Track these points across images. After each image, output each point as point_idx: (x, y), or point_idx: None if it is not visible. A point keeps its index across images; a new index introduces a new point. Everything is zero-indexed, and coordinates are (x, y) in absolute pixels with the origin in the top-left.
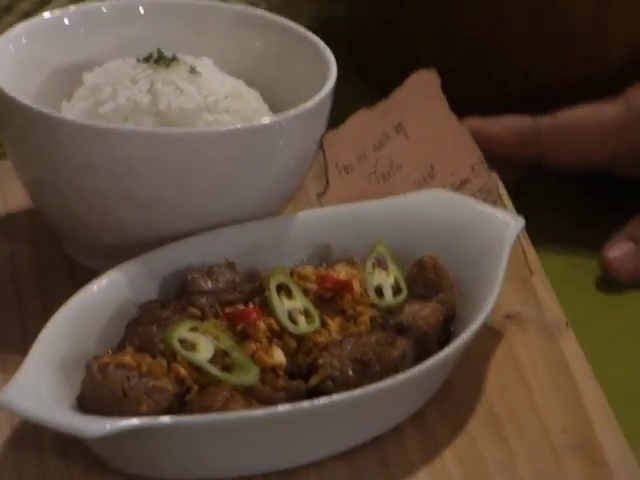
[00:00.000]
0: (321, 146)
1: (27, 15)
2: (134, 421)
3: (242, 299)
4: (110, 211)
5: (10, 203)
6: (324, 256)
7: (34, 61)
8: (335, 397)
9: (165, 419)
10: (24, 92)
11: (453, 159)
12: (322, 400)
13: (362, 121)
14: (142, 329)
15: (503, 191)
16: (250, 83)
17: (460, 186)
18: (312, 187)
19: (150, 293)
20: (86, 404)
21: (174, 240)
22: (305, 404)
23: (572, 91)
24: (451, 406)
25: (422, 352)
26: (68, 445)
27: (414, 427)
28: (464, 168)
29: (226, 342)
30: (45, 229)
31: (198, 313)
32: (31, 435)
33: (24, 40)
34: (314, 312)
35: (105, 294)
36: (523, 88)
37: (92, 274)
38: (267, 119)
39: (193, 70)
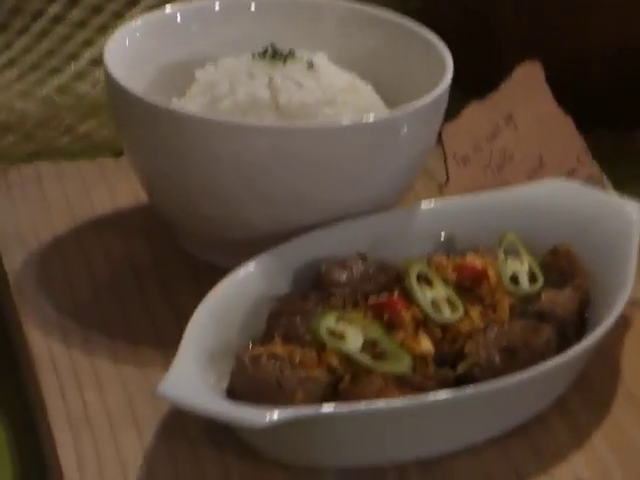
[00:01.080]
0: (440, 138)
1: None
2: (304, 410)
3: (377, 290)
4: (236, 206)
5: (120, 201)
6: (449, 246)
7: (145, 57)
8: (490, 384)
9: (336, 407)
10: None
11: (559, 150)
12: (479, 387)
13: (475, 113)
14: (286, 321)
15: (606, 180)
16: (362, 77)
17: (568, 176)
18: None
19: (284, 286)
20: (236, 394)
21: (297, 234)
22: (466, 390)
23: None
24: (592, 392)
25: (562, 339)
26: (220, 436)
27: (559, 414)
28: (570, 158)
29: (375, 331)
30: (159, 226)
31: (340, 304)
32: (180, 428)
33: (138, 35)
34: (457, 300)
35: (242, 287)
36: (608, 80)
37: (212, 269)
38: (394, 111)
39: (310, 64)
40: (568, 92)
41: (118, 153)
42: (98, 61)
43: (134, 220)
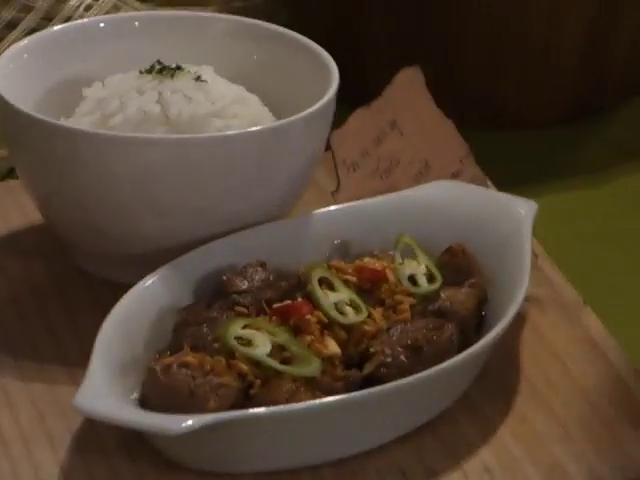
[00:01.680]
0: (329, 146)
1: (31, 31)
2: (217, 416)
3: (278, 296)
4: (132, 220)
5: (12, 223)
6: (345, 252)
7: (32, 78)
8: (398, 382)
9: (249, 412)
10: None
11: (443, 153)
12: (387, 386)
13: (361, 119)
14: (192, 330)
15: (489, 182)
16: (250, 89)
17: (452, 178)
18: (324, 182)
19: (186, 297)
20: (148, 405)
21: (196, 246)
22: (375, 390)
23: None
24: (494, 387)
25: (462, 336)
26: (134, 446)
27: (464, 409)
28: (454, 161)
29: (282, 336)
30: (55, 246)
31: (245, 311)
32: (94, 441)
33: (25, 56)
34: (360, 302)
35: (145, 300)
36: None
37: (111, 286)
38: (283, 120)
39: (198, 78)
40: (444, 95)
41: (3, 177)
42: None
43: (29, 241)
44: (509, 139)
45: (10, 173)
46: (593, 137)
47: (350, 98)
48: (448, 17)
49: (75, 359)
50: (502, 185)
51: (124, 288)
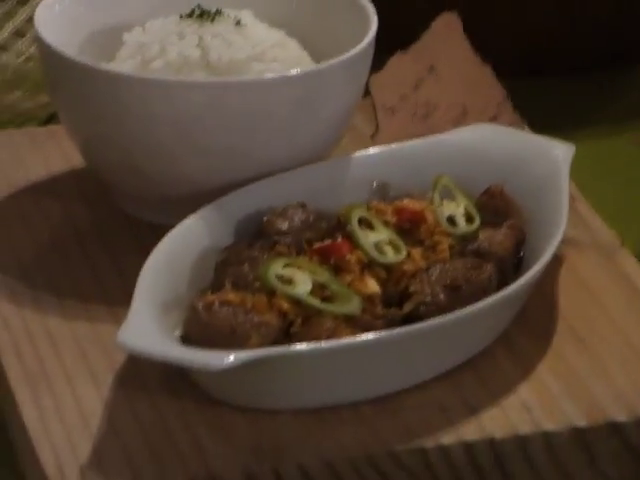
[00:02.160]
0: (368, 90)
1: None
2: (260, 352)
3: (319, 237)
4: (174, 162)
5: (54, 167)
6: (383, 194)
7: (74, 23)
8: (437, 320)
9: (291, 348)
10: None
11: (481, 98)
12: (427, 324)
13: (399, 63)
14: (233, 269)
15: (527, 127)
16: (289, 34)
17: (490, 123)
18: (362, 127)
19: (227, 238)
20: (191, 342)
21: (235, 188)
22: (414, 327)
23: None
24: (533, 326)
25: (501, 276)
26: (177, 383)
27: (503, 348)
28: (491, 106)
29: (323, 275)
30: (96, 189)
31: (286, 251)
32: (137, 378)
33: (67, 1)
34: (400, 242)
35: (187, 240)
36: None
37: (152, 228)
38: (322, 64)
39: (238, 22)
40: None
41: (44, 123)
42: (20, 32)
43: (70, 185)
44: (546, 85)
45: (51, 120)
46: (629, 85)
47: (389, 44)
48: None
49: (118, 299)
50: (539, 130)
51: (166, 230)
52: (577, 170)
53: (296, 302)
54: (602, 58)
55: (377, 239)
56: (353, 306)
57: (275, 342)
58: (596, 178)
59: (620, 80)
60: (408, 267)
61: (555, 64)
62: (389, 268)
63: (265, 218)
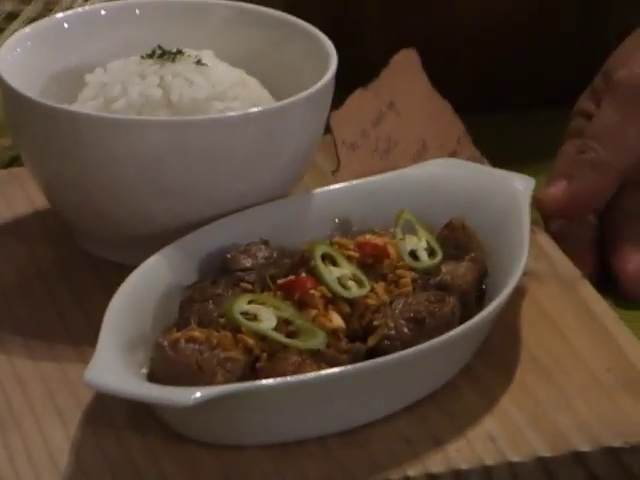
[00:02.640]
0: (329, 125)
1: (32, 22)
2: (225, 388)
3: (282, 274)
4: (136, 203)
5: (17, 209)
6: (345, 230)
7: (36, 65)
8: (401, 353)
9: (256, 384)
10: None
11: (441, 133)
12: (391, 357)
13: (360, 100)
14: (198, 307)
15: (486, 161)
16: (249, 73)
17: (450, 157)
18: (323, 163)
19: (191, 275)
20: (157, 380)
21: (199, 226)
22: (379, 361)
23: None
24: (496, 358)
25: (463, 309)
26: (144, 420)
27: (467, 380)
28: (451, 141)
29: (287, 310)
30: (60, 230)
31: (250, 287)
32: (104, 415)
33: (29, 43)
34: (362, 277)
35: (151, 278)
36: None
37: (116, 268)
38: (283, 101)
39: (199, 62)
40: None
41: (6, 165)
42: None
43: (34, 226)
44: (504, 120)
45: (14, 162)
46: None
47: (348, 81)
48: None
49: (84, 338)
50: (499, 165)
51: (130, 269)
52: None
53: (261, 338)
54: (558, 93)
55: (340, 274)
56: (318, 341)
57: (241, 378)
58: None
59: None
60: (371, 301)
61: (513, 99)
62: (353, 303)
63: (228, 255)
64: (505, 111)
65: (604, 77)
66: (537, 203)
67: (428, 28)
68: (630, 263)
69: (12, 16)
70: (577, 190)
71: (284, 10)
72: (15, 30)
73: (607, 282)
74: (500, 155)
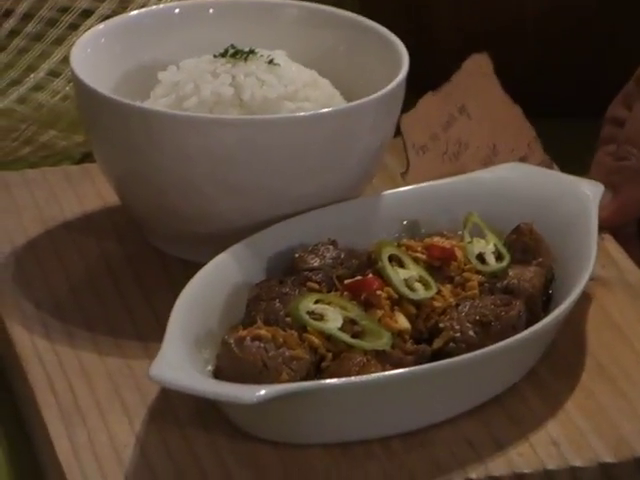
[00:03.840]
0: (399, 128)
1: (106, 19)
2: (291, 386)
3: (349, 274)
4: (207, 200)
5: (88, 205)
6: (413, 232)
7: (109, 62)
8: (467, 356)
9: (322, 383)
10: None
11: (511, 138)
12: (456, 360)
13: (430, 103)
14: (265, 305)
15: (556, 167)
16: (321, 73)
17: (520, 162)
18: (393, 166)
19: (259, 274)
20: (223, 377)
21: (267, 225)
22: (444, 363)
23: None
24: (561, 364)
25: (530, 313)
26: (209, 417)
27: (531, 385)
28: (521, 146)
29: (354, 311)
30: (129, 226)
31: (317, 287)
32: (169, 412)
33: (102, 40)
34: (429, 279)
35: (219, 276)
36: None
37: (184, 265)
38: (354, 103)
39: (271, 61)
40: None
41: (78, 162)
42: (56, 72)
43: (104, 221)
44: (576, 127)
45: (85, 158)
46: None
47: (419, 84)
48: (510, 9)
49: (150, 334)
50: (569, 171)
51: (198, 267)
52: None
53: (327, 337)
54: None
55: (407, 276)
56: (383, 342)
57: (306, 377)
58: None
59: None
60: (438, 304)
61: (585, 106)
62: (419, 304)
63: (296, 255)
64: (577, 116)
65: (636, 82)
66: None
67: (500, 30)
68: None
69: (87, 13)
70: (624, 202)
71: (358, 12)
72: (90, 27)
73: None
74: (570, 160)
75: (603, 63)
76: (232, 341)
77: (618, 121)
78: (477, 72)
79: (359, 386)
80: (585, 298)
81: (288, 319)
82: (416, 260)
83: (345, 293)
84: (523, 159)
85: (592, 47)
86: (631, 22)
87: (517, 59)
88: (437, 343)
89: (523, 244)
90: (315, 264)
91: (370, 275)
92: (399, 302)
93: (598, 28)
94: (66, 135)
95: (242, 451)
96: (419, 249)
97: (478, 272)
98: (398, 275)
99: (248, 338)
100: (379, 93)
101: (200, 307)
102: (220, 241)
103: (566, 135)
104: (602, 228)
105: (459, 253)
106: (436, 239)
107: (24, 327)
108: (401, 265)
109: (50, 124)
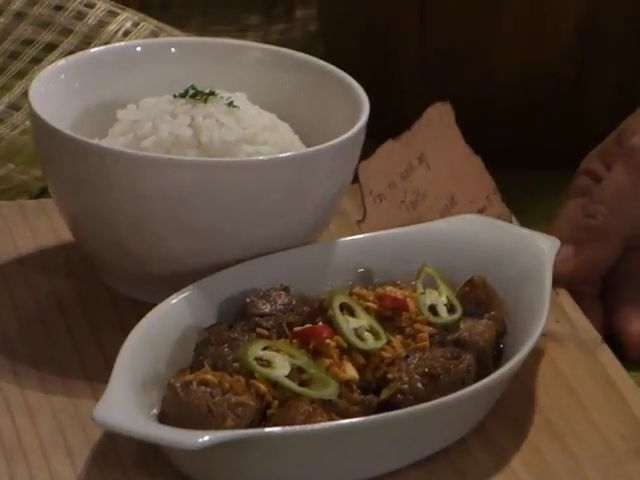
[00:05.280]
0: (356, 176)
1: (70, 54)
2: (234, 433)
3: (300, 321)
4: (160, 240)
5: (42, 240)
6: (367, 280)
7: (68, 98)
8: (414, 408)
9: (266, 430)
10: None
11: (470, 189)
12: (403, 411)
13: (390, 151)
14: (213, 349)
15: (514, 220)
16: (281, 117)
17: (478, 214)
18: (350, 212)
19: (209, 318)
20: (167, 421)
21: (220, 268)
22: (390, 415)
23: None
24: (509, 418)
25: (480, 367)
26: (152, 462)
27: (479, 439)
28: (480, 198)
29: (302, 359)
30: (82, 263)
31: (266, 333)
32: (112, 454)
33: (62, 76)
34: (380, 329)
35: (169, 319)
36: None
37: (135, 305)
38: (313, 148)
39: (230, 104)
40: (474, 133)
41: (35, 196)
42: (16, 105)
43: (57, 258)
44: (536, 178)
45: (44, 192)
46: None
47: (379, 132)
48: (479, 54)
49: (98, 374)
50: (527, 223)
51: (149, 307)
52: None
53: (274, 384)
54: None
55: (357, 325)
56: (330, 391)
57: (251, 424)
58: None
59: None
60: (387, 354)
61: (546, 156)
62: (368, 354)
63: (248, 300)
64: (538, 168)
65: (618, 139)
66: None
67: (464, 82)
68: (632, 324)
69: (50, 47)
70: (585, 259)
71: (323, 57)
72: (52, 61)
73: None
74: (530, 213)
75: (570, 118)
76: (178, 385)
77: (593, 174)
78: (438, 121)
79: (304, 435)
80: (536, 353)
81: (236, 364)
82: (367, 309)
83: (294, 340)
84: (481, 211)
85: (560, 104)
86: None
87: (483, 109)
88: (385, 394)
89: (476, 297)
90: (266, 310)
91: (320, 323)
92: (348, 351)
93: (568, 92)
94: (24, 169)
95: None
96: (371, 298)
97: (429, 324)
98: (348, 324)
99: (194, 382)
100: (338, 139)
101: (149, 349)
102: (172, 282)
103: (526, 187)
104: (558, 282)
105: (411, 304)
106: (389, 289)
107: None
108: (352, 314)
109: (8, 158)
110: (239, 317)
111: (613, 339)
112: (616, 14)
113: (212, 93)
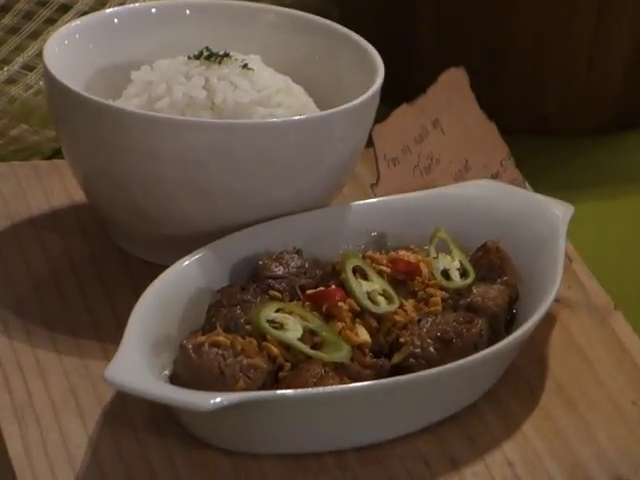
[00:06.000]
0: (370, 139)
1: (84, 14)
2: (247, 395)
3: (313, 284)
4: (174, 202)
5: (55, 201)
6: (380, 245)
7: (83, 59)
8: (425, 372)
9: (278, 393)
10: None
11: (484, 154)
12: (414, 375)
13: (404, 115)
14: (226, 311)
15: (528, 186)
16: (295, 80)
17: (492, 179)
18: (363, 176)
19: (222, 280)
20: (179, 382)
21: (233, 231)
22: (402, 378)
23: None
24: (521, 384)
25: (492, 332)
26: (163, 423)
27: (490, 404)
28: (494, 163)
29: (314, 321)
30: (95, 224)
31: (279, 296)
32: (123, 415)
33: (77, 37)
34: (392, 292)
35: (181, 280)
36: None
37: (148, 267)
38: (327, 111)
39: (245, 66)
40: (488, 98)
41: (48, 157)
42: (30, 66)
43: (70, 218)
44: (550, 145)
45: (55, 154)
46: (631, 149)
47: (394, 95)
48: (495, 23)
49: (109, 335)
50: (541, 189)
51: (161, 269)
52: (577, 231)
53: (286, 347)
54: (606, 120)
55: (370, 289)
56: (342, 354)
57: (263, 386)
58: (595, 239)
59: (623, 143)
60: (400, 318)
61: (559, 123)
62: (380, 318)
63: (260, 262)
64: (553, 135)
65: None
66: None
67: (479, 48)
68: None
69: (65, 8)
70: None
71: (337, 21)
72: (67, 22)
73: None
74: (543, 179)
75: (585, 85)
76: (190, 346)
77: None
78: (453, 86)
79: (316, 398)
80: (549, 319)
81: (248, 327)
82: (380, 273)
83: (307, 303)
84: (495, 176)
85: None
86: None
87: (497, 74)
88: (397, 358)
89: (489, 262)
90: (279, 272)
91: (333, 286)
92: (361, 315)
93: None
94: (37, 130)
95: (194, 458)
96: (384, 262)
97: (442, 288)
98: (361, 287)
99: (206, 344)
100: (353, 102)
101: (160, 311)
102: (185, 244)
103: (540, 153)
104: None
105: (424, 268)
106: (402, 253)
107: None
108: (365, 277)
109: (22, 118)
110: (251, 279)
111: None
112: None
113: (226, 55)
